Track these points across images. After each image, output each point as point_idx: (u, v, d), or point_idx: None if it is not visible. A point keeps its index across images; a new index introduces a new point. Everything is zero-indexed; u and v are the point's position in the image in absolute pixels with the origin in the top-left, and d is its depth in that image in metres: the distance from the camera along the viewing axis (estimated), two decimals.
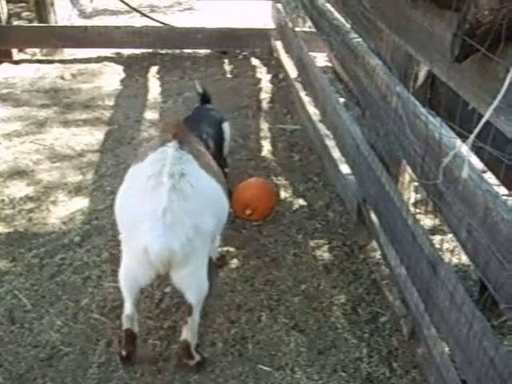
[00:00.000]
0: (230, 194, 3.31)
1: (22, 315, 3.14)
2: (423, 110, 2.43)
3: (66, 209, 4.08)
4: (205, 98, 4.24)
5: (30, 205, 4.12)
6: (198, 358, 2.82)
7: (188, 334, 2.79)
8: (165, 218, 2.41)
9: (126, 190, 2.73)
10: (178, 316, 3.10)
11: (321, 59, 6.51)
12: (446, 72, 2.05)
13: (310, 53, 5.36)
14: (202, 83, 4.47)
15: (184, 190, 2.49)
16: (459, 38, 1.67)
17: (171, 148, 2.67)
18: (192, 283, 2.70)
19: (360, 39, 3.46)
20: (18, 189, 4.32)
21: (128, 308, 2.79)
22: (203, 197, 2.62)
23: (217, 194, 2.83)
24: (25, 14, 8.53)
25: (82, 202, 4.16)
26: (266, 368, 2.82)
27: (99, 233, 3.81)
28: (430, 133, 2.27)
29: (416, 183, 3.02)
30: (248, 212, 3.81)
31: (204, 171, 2.72)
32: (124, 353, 2.85)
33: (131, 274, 2.71)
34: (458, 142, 2.03)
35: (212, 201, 2.74)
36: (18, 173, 4.54)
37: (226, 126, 4.05)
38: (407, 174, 3.04)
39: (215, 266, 3.47)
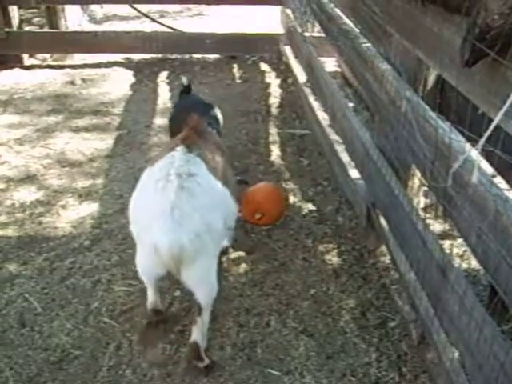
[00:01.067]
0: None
1: (33, 318, 3.16)
2: (433, 115, 2.43)
3: (76, 213, 4.10)
4: (186, 90, 4.47)
5: (41, 209, 4.14)
6: (207, 360, 2.83)
7: (198, 335, 2.82)
8: (173, 214, 2.51)
9: (138, 194, 2.83)
10: (187, 320, 3.09)
11: (330, 64, 6.50)
12: (455, 77, 2.05)
13: (319, 58, 5.36)
14: (196, 84, 4.58)
15: (191, 188, 2.60)
16: (469, 42, 1.67)
17: (178, 152, 2.80)
18: (202, 283, 2.76)
19: (369, 44, 3.46)
20: (29, 193, 4.35)
21: (150, 295, 2.99)
22: (211, 196, 2.72)
23: (224, 196, 2.89)
24: (36, 19, 8.61)
25: (91, 207, 4.18)
26: (275, 372, 2.82)
27: (109, 237, 3.82)
28: (439, 137, 2.26)
29: (426, 188, 3.02)
30: (257, 216, 3.82)
31: (212, 173, 2.80)
32: (154, 318, 3.04)
33: (145, 269, 2.84)
34: (468, 146, 2.03)
35: (219, 202, 2.81)
36: (29, 177, 4.57)
37: (218, 110, 4.20)
38: (417, 179, 3.03)
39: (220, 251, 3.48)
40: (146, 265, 2.80)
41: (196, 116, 3.27)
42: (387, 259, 3.48)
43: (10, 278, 3.46)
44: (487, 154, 2.27)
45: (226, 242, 3.42)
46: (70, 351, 2.95)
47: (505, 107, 1.60)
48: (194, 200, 2.59)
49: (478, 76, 1.86)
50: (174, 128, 4.06)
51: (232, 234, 3.44)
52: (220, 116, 4.20)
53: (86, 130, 5.46)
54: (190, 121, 3.19)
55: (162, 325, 3.06)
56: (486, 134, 1.68)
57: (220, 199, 2.83)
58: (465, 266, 3.39)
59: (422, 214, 2.95)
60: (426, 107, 2.53)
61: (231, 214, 3.04)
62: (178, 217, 2.51)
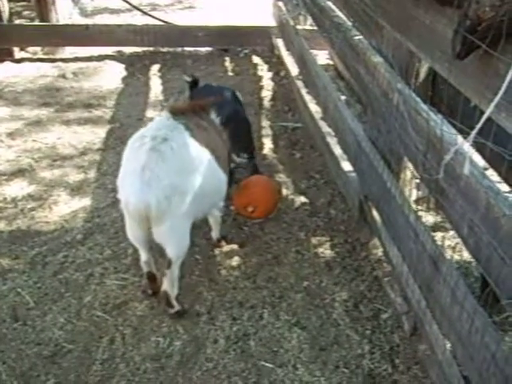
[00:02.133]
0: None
1: (25, 313, 3.16)
2: (424, 107, 2.44)
3: (68, 207, 4.10)
4: (194, 84, 4.49)
5: (32, 203, 4.13)
6: (177, 307, 3.07)
7: (168, 285, 3.04)
8: (143, 174, 2.66)
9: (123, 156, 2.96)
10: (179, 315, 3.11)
11: (322, 57, 6.52)
12: (447, 69, 2.06)
13: (312, 50, 5.36)
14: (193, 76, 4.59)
15: (164, 152, 2.73)
16: (460, 34, 1.67)
17: (161, 117, 3.04)
18: (171, 239, 2.92)
19: (361, 36, 3.46)
20: (20, 187, 4.33)
21: (142, 255, 3.14)
22: (183, 160, 2.84)
23: (206, 164, 2.98)
24: (26, 12, 8.56)
25: (83, 200, 4.17)
26: (268, 365, 2.83)
27: (101, 230, 3.82)
28: (431, 129, 2.27)
29: (418, 180, 3.03)
30: (250, 209, 3.82)
31: (193, 140, 2.92)
32: (150, 291, 3.22)
33: (129, 230, 2.99)
34: (460, 138, 2.04)
35: (196, 168, 2.90)
36: (20, 171, 4.56)
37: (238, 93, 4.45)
38: (409, 171, 3.04)
39: (213, 244, 3.65)
40: (128, 225, 2.96)
41: (205, 100, 3.36)
42: (380, 252, 3.49)
43: (2, 272, 3.45)
44: (479, 147, 2.29)
45: (216, 212, 3.50)
46: (63, 345, 2.96)
47: (496, 99, 1.61)
48: (164, 162, 2.71)
49: (470, 68, 1.86)
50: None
51: (223, 206, 3.51)
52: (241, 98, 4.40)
53: (78, 123, 5.44)
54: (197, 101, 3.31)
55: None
56: (478, 126, 1.69)
57: (197, 164, 2.90)
58: (457, 258, 3.40)
59: (414, 206, 2.96)
60: (418, 99, 2.53)
61: (216, 184, 3.16)
62: (147, 178, 2.66)
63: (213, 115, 3.35)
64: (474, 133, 1.69)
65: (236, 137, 3.92)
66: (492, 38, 1.61)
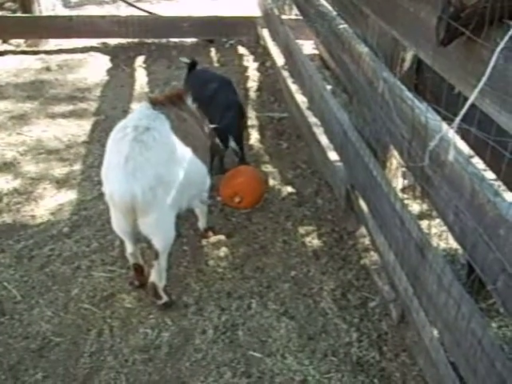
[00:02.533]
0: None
1: (12, 306, 3.14)
2: (409, 95, 2.43)
3: (54, 200, 4.07)
4: (193, 66, 4.78)
5: (18, 197, 4.10)
6: (165, 298, 3.07)
7: (155, 276, 3.04)
8: (126, 165, 2.66)
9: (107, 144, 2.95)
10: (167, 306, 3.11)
11: (308, 47, 6.50)
12: (431, 56, 2.06)
13: (297, 40, 5.35)
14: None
15: (146, 142, 2.73)
16: (444, 21, 1.67)
17: (141, 107, 3.03)
18: (157, 230, 2.91)
19: (346, 25, 3.46)
20: (5, 181, 4.30)
21: (128, 247, 3.12)
22: (167, 150, 2.84)
23: (187, 154, 2.99)
24: (8, 4, 8.46)
25: (69, 193, 4.15)
26: (256, 354, 2.84)
27: (88, 223, 3.80)
28: (416, 117, 2.27)
29: (404, 169, 3.04)
30: (237, 200, 3.82)
31: (173, 132, 2.91)
32: (137, 283, 3.21)
33: (115, 222, 2.98)
34: (444, 125, 2.04)
35: (176, 158, 2.89)
36: (5, 165, 4.52)
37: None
38: (395, 160, 3.05)
39: (200, 235, 3.65)
40: (114, 217, 2.95)
41: (179, 89, 3.36)
42: (367, 240, 3.50)
43: None
44: (463, 134, 2.29)
45: (201, 203, 3.51)
46: (51, 338, 2.94)
47: (480, 85, 1.61)
48: (148, 153, 2.71)
49: (454, 55, 1.86)
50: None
51: (206, 197, 3.51)
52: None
53: (63, 116, 5.41)
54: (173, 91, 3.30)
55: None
56: (462, 113, 1.69)
57: (178, 156, 2.90)
58: (443, 245, 3.42)
59: (400, 194, 2.97)
60: (403, 87, 2.53)
61: (197, 174, 3.15)
62: (131, 168, 2.66)
63: (190, 103, 3.35)
64: (458, 119, 1.69)
65: (229, 124, 3.97)
66: (475, 25, 1.60)
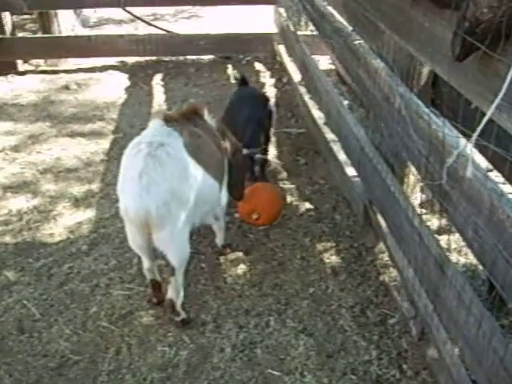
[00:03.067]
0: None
1: (31, 324, 3.15)
2: (426, 110, 2.42)
3: (72, 218, 4.09)
4: (243, 83, 4.83)
5: (37, 215, 4.13)
6: (183, 315, 3.08)
7: (173, 292, 3.04)
8: (141, 181, 2.67)
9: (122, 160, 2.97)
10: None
11: (324, 62, 6.50)
12: (447, 71, 2.04)
13: (313, 56, 5.36)
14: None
15: (160, 157, 2.75)
16: (459, 36, 1.66)
17: (154, 124, 3.07)
18: (172, 245, 2.91)
19: (362, 41, 3.45)
20: (25, 200, 4.33)
21: (145, 262, 3.14)
22: (180, 166, 2.84)
23: (200, 170, 2.98)
24: (29, 25, 8.59)
25: (88, 211, 4.17)
26: (275, 373, 2.81)
27: (106, 241, 3.81)
28: (433, 132, 2.25)
29: (422, 183, 3.01)
30: (255, 216, 3.81)
31: (186, 148, 2.91)
32: (155, 300, 3.22)
33: (130, 237, 2.98)
34: (462, 141, 2.02)
35: (189, 174, 2.88)
36: (25, 183, 4.56)
37: (272, 105, 4.75)
38: (412, 175, 3.02)
39: (218, 252, 3.64)
40: (129, 233, 2.96)
41: (196, 104, 3.38)
42: (385, 256, 3.47)
43: (8, 284, 3.45)
44: (481, 148, 2.27)
45: (217, 219, 3.52)
46: (70, 356, 2.94)
47: (496, 101, 1.60)
48: (162, 168, 2.73)
49: (470, 70, 1.85)
50: (228, 117, 4.33)
51: (222, 214, 3.52)
52: (274, 110, 4.61)
53: (82, 134, 5.45)
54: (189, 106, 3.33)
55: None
56: (479, 129, 1.67)
57: (191, 172, 2.89)
58: (463, 260, 3.39)
59: (418, 209, 2.94)
60: (419, 103, 2.52)
61: (210, 193, 3.15)
62: (145, 183, 2.67)
63: (207, 118, 3.36)
64: (475, 135, 1.68)
65: (250, 138, 4.04)
66: (491, 40, 1.59)
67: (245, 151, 3.83)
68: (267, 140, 4.48)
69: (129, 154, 2.86)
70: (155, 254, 3.06)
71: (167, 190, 2.73)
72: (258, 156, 4.14)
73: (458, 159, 2.00)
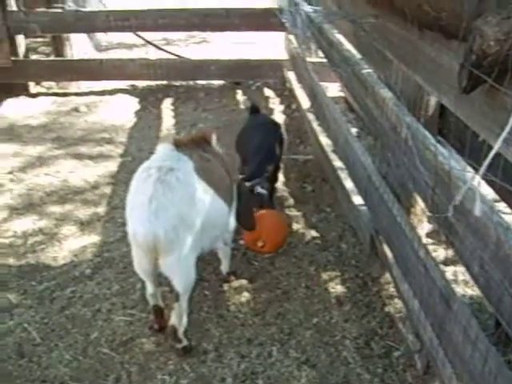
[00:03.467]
0: None
1: (31, 349, 3.11)
2: (432, 141, 2.39)
3: (77, 241, 4.08)
4: (255, 110, 4.80)
5: (42, 237, 4.12)
6: (185, 342, 3.04)
7: (175, 319, 3.00)
8: (150, 205, 2.67)
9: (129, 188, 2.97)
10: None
11: (334, 89, 6.50)
12: (454, 103, 2.02)
13: (323, 83, 5.36)
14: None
15: (170, 182, 2.75)
16: (466, 69, 1.64)
17: (166, 148, 3.06)
18: (178, 271, 2.90)
19: (370, 70, 3.45)
20: (31, 221, 4.33)
21: (149, 287, 3.10)
22: (189, 191, 2.84)
23: (210, 195, 2.98)
24: (42, 48, 8.69)
25: (93, 235, 4.15)
26: None
27: (110, 265, 3.79)
28: (439, 164, 2.23)
29: (429, 213, 2.97)
30: (260, 244, 3.77)
31: (196, 173, 2.92)
32: (156, 326, 3.18)
33: (137, 262, 2.97)
34: (468, 175, 1.99)
35: (198, 199, 2.88)
36: (31, 205, 4.56)
37: (283, 131, 4.66)
38: (419, 206, 2.99)
39: (222, 279, 3.61)
40: (136, 257, 2.94)
41: (205, 130, 3.38)
42: (391, 287, 3.42)
43: (9, 307, 3.42)
44: (488, 180, 2.24)
45: (224, 245, 3.50)
46: (69, 383, 2.90)
47: (503, 134, 1.57)
48: (171, 193, 2.73)
49: (477, 102, 1.83)
50: (239, 145, 4.37)
51: (230, 240, 3.52)
52: (285, 137, 4.54)
53: (90, 157, 5.47)
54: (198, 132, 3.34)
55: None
56: (485, 163, 1.64)
57: (200, 196, 2.89)
58: (470, 292, 3.33)
59: (425, 240, 2.90)
60: (426, 133, 2.49)
61: (218, 217, 3.14)
62: (154, 208, 2.67)
63: (215, 144, 3.37)
64: (482, 170, 1.64)
65: (254, 169, 3.98)
66: (498, 73, 1.57)
67: (247, 184, 3.82)
68: (277, 168, 4.44)
69: (138, 178, 2.86)
70: (159, 279, 3.03)
71: (176, 215, 2.72)
72: (259, 190, 4.03)
73: (465, 192, 1.97)
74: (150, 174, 2.78)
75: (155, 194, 2.70)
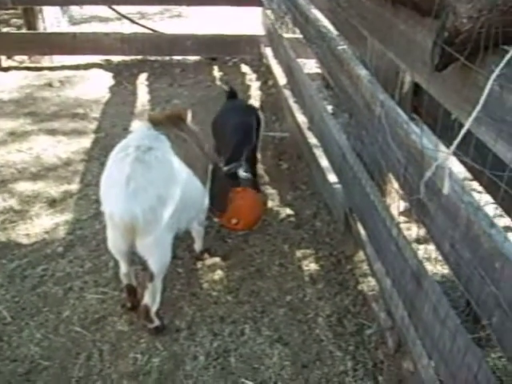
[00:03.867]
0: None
1: (1, 328, 3.07)
2: (406, 119, 2.37)
3: (49, 218, 4.02)
4: (232, 95, 4.66)
5: (13, 215, 4.05)
6: (157, 322, 3.01)
7: (149, 299, 2.97)
8: (128, 185, 2.62)
9: (105, 169, 2.91)
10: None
11: (311, 65, 6.46)
12: (426, 80, 2.00)
13: (300, 59, 5.31)
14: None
15: (148, 162, 2.71)
16: (438, 46, 1.62)
17: (143, 127, 3.02)
18: (155, 252, 2.86)
19: (345, 46, 3.41)
20: (2, 199, 4.25)
21: (122, 267, 3.07)
22: (168, 171, 2.81)
23: (187, 175, 2.96)
24: (13, 20, 8.49)
25: (66, 212, 4.09)
26: (248, 382, 2.76)
27: (82, 243, 3.74)
28: (411, 142, 2.21)
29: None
30: (234, 221, 3.74)
31: (174, 152, 2.89)
32: (129, 304, 3.15)
33: (111, 242, 2.92)
34: (440, 154, 1.97)
35: (177, 178, 2.86)
36: (2, 182, 4.48)
37: (261, 114, 4.48)
38: (392, 184, 2.98)
39: (195, 257, 3.59)
40: (111, 237, 2.90)
41: (179, 109, 3.34)
42: (365, 265, 3.42)
43: None
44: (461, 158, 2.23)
45: (198, 225, 3.46)
46: (39, 362, 2.87)
47: (474, 113, 1.56)
48: (150, 173, 2.69)
49: (449, 80, 1.81)
50: (215, 129, 4.28)
51: (204, 219, 3.49)
52: (262, 119, 4.43)
53: (63, 133, 5.37)
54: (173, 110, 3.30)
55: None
56: (456, 142, 1.63)
57: (178, 176, 2.87)
58: (443, 271, 3.35)
59: (398, 218, 2.90)
60: (400, 111, 2.47)
61: (194, 197, 3.12)
62: (132, 188, 2.62)
63: (190, 123, 3.33)
64: (452, 148, 1.63)
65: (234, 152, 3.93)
66: (471, 50, 1.55)
67: (225, 168, 3.79)
68: (255, 150, 4.31)
69: (115, 157, 2.82)
70: (133, 257, 3.01)
71: (154, 196, 2.69)
72: (243, 174, 3.94)
73: (437, 171, 1.96)
74: (128, 153, 2.73)
75: (133, 173, 2.65)
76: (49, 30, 7.36)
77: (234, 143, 4.02)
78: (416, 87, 2.79)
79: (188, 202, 2.96)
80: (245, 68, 7.13)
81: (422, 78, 2.07)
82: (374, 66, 2.88)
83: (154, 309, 3.00)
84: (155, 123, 3.01)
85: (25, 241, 3.78)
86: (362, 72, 2.97)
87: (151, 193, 2.68)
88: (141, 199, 2.64)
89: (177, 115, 3.30)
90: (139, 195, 2.64)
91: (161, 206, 2.73)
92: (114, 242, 2.91)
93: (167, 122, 3.11)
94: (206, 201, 3.35)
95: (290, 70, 5.30)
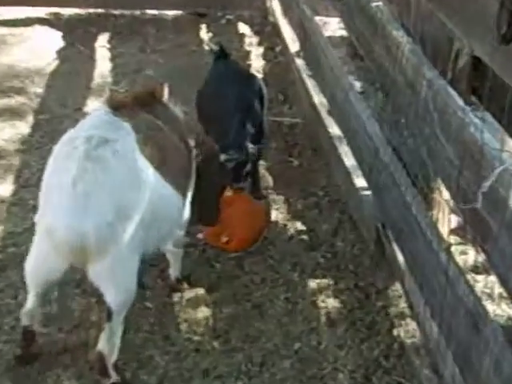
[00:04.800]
0: None
1: None
2: (461, 104, 2.41)
3: None
4: (222, 56, 4.66)
5: None
6: (115, 377, 2.92)
7: (105, 344, 2.89)
8: (75, 190, 2.60)
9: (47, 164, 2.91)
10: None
11: (333, 25, 6.47)
12: (490, 53, 2.03)
13: (320, 17, 5.34)
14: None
15: (103, 159, 2.69)
16: (507, 11, 1.65)
17: (98, 112, 3.06)
18: (113, 281, 2.84)
19: (380, 3, 3.45)
20: None
21: (30, 302, 3.01)
22: (130, 172, 2.80)
23: (158, 180, 2.94)
24: None
25: None
26: None
27: (16, 265, 3.74)
28: (468, 137, 2.24)
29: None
30: (224, 239, 3.78)
31: (141, 146, 2.87)
32: (20, 353, 3.09)
33: (37, 265, 2.90)
34: (507, 154, 2.00)
35: (145, 183, 2.84)
36: None
37: (262, 84, 4.52)
38: (442, 192, 3.02)
39: (170, 287, 3.61)
40: (38, 257, 2.87)
41: (157, 83, 3.34)
42: (402, 303, 3.46)
43: None
44: None
45: (174, 245, 3.47)
46: None
47: None
48: (105, 174, 2.68)
49: None
50: (201, 106, 4.28)
51: (182, 237, 3.51)
52: (265, 91, 4.40)
53: None
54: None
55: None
56: None
57: (145, 180, 2.85)
58: (510, 311, 3.38)
59: (450, 238, 2.93)
60: (453, 93, 2.51)
61: (168, 214, 3.13)
62: (81, 195, 2.61)
63: (170, 102, 3.36)
64: None
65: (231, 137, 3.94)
66: None
67: (222, 157, 3.77)
68: (261, 135, 4.24)
69: (59, 151, 2.83)
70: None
71: (111, 205, 2.69)
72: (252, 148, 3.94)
73: (502, 176, 1.99)
74: (76, 146, 2.72)
75: (82, 174, 2.64)
76: None
77: (232, 122, 4.01)
78: (476, 61, 2.82)
79: (159, 213, 2.96)
80: (243, 28, 7.19)
81: (483, 50, 2.10)
82: (419, 32, 2.91)
83: (111, 359, 2.96)
84: (116, 106, 3.02)
85: None
86: (404, 39, 3.01)
87: (107, 201, 2.68)
88: (93, 210, 2.64)
89: (148, 93, 3.31)
90: (90, 205, 2.63)
91: (120, 220, 2.73)
92: (42, 267, 2.89)
93: (134, 104, 3.12)
94: (186, 212, 3.36)
95: (305, 32, 5.34)
